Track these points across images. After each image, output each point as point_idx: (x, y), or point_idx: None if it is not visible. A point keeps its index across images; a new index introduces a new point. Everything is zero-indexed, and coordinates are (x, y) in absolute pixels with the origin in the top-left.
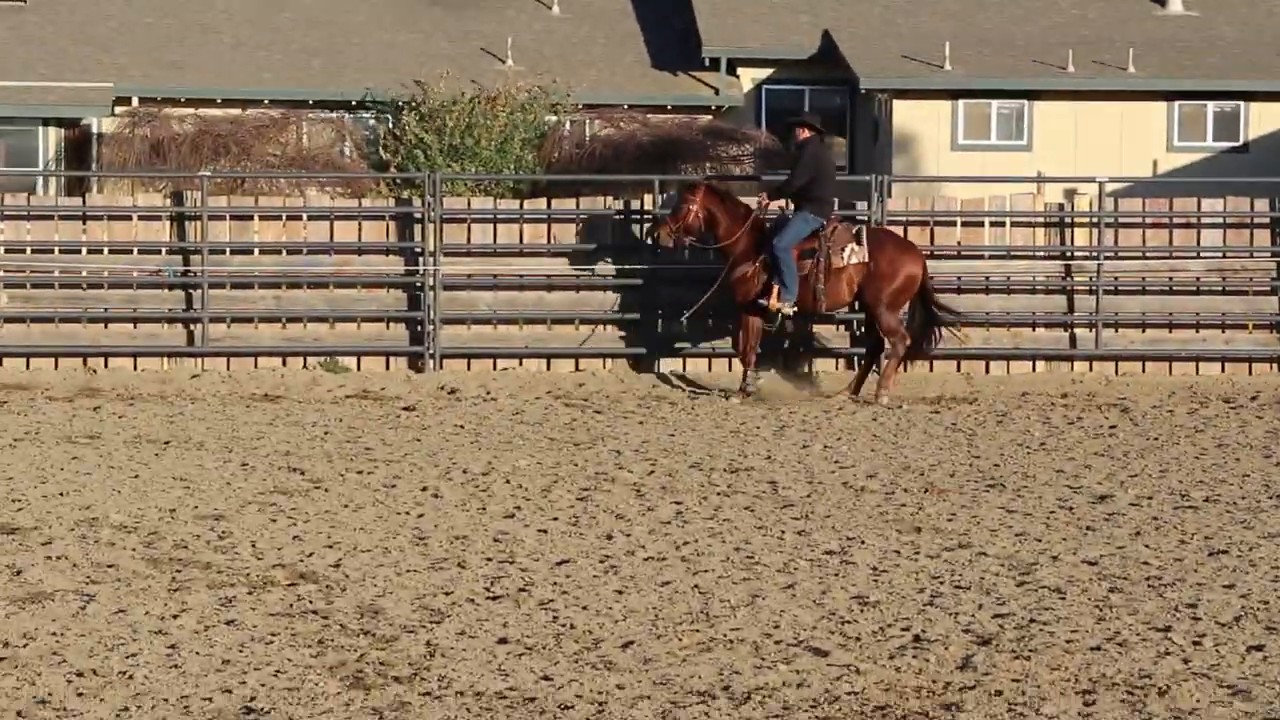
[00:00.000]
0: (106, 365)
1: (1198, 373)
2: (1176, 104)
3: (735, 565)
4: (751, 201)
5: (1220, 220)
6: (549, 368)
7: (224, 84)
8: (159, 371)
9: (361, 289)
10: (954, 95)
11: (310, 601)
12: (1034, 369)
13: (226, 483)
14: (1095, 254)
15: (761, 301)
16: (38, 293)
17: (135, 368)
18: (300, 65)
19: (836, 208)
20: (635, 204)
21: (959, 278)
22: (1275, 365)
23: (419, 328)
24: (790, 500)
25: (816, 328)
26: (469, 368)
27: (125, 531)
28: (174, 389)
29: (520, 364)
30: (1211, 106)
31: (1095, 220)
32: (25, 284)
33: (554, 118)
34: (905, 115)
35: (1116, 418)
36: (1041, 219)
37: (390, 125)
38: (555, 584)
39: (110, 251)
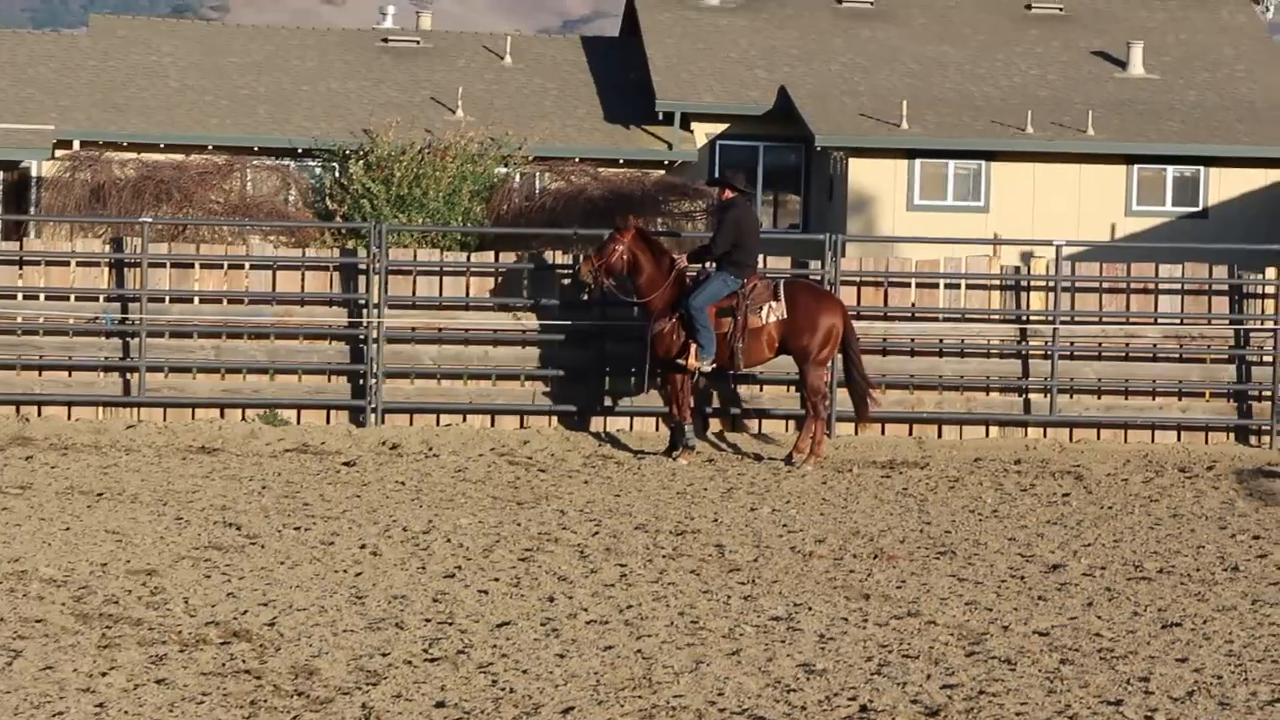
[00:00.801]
0: (40, 414)
1: (1153, 440)
2: (1135, 168)
3: (680, 630)
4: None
5: (1178, 286)
6: (493, 424)
7: (168, 128)
8: (94, 421)
9: (303, 340)
10: (911, 154)
11: (243, 661)
12: (987, 434)
13: (160, 537)
14: (1051, 318)
15: (680, 360)
16: None
17: (69, 417)
18: (246, 111)
19: (759, 266)
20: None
21: (913, 340)
22: (1231, 434)
23: (361, 381)
24: (737, 564)
25: (770, 390)
26: (411, 423)
27: (55, 585)
28: (108, 439)
29: (464, 420)
30: (1171, 171)
31: (1051, 284)
32: None
33: (504, 169)
34: (861, 174)
35: (1070, 485)
36: (997, 282)
37: (337, 174)
38: (495, 646)
39: (47, 298)
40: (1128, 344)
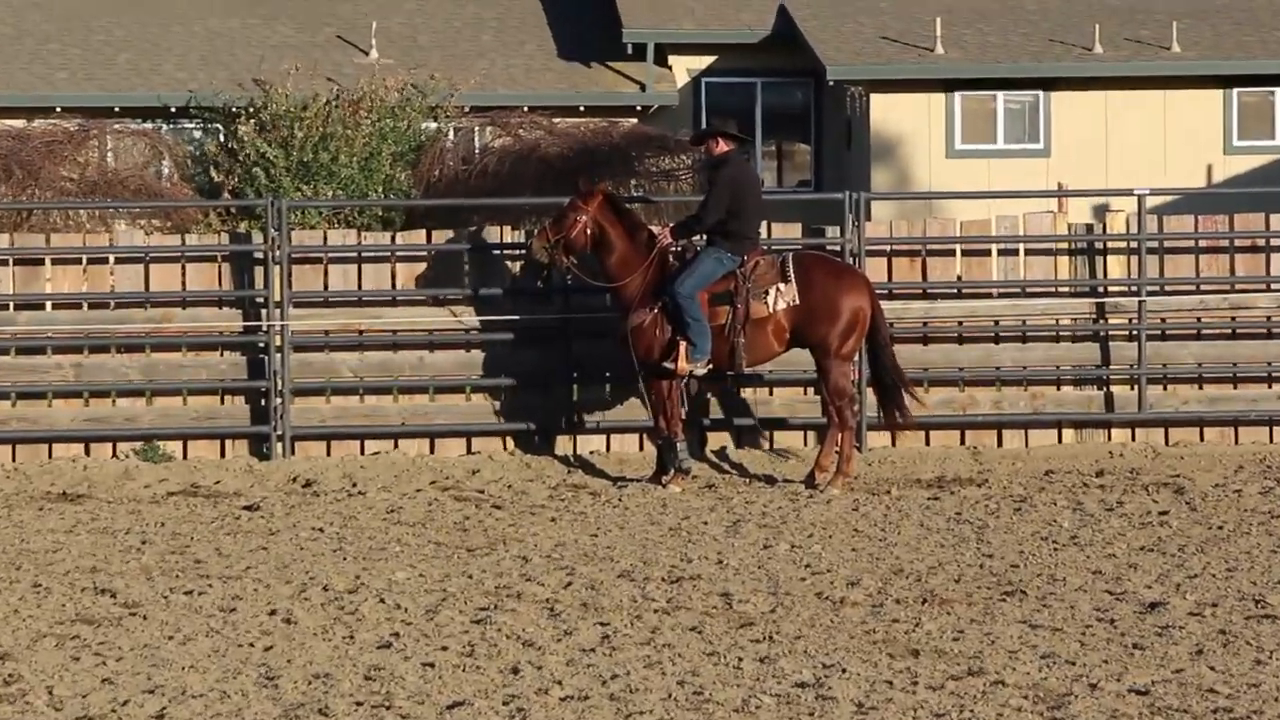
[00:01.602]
0: None
1: (1271, 440)
2: (1235, 92)
3: (680, 705)
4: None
5: None
6: (433, 450)
7: (3, 88)
8: None
9: (187, 352)
10: (948, 86)
11: None
12: (1060, 439)
13: (14, 610)
14: (1135, 288)
15: (667, 364)
16: None
17: None
18: (102, 61)
19: (760, 239)
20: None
21: (961, 322)
22: None
23: (262, 401)
24: (749, 617)
25: (783, 393)
26: (329, 452)
27: None
28: None
29: (395, 446)
30: None
31: (1134, 245)
32: None
33: (433, 124)
34: (887, 113)
35: (1168, 501)
36: (1065, 244)
37: (221, 138)
38: None
39: None
40: (1234, 318)
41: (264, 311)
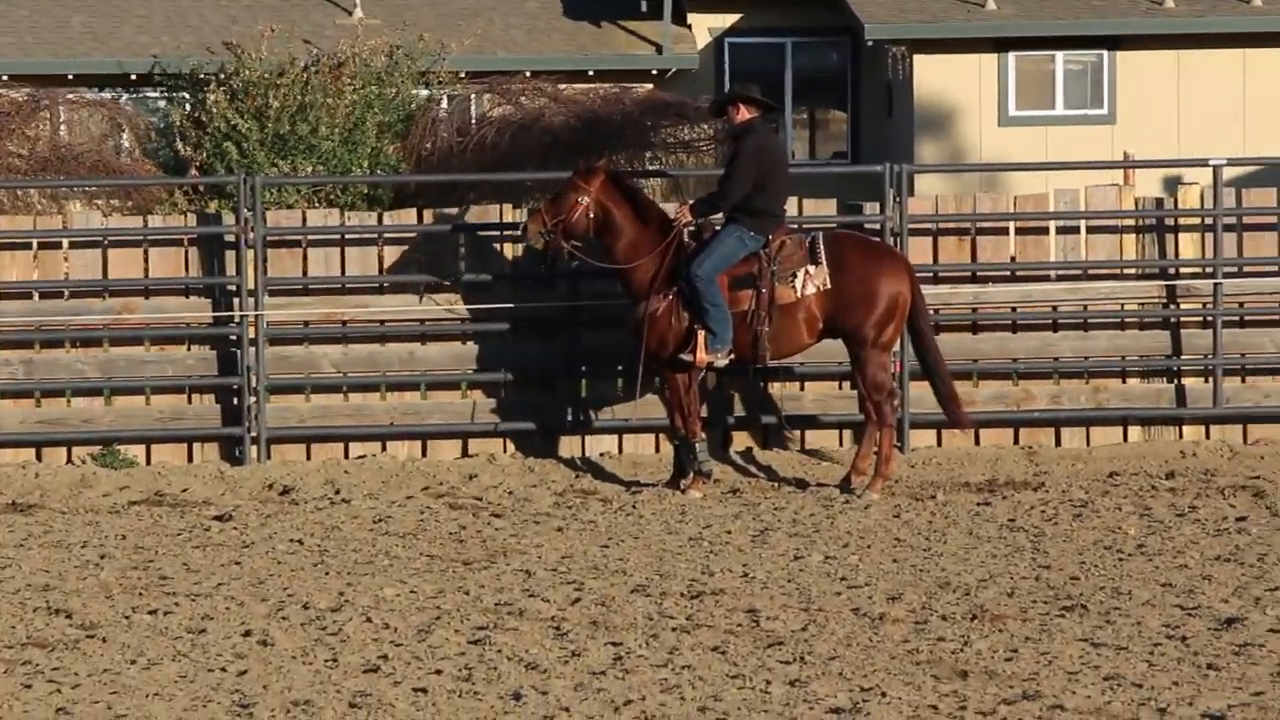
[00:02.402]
0: None
1: None
2: None
3: None
4: (669, 212)
5: None
6: (425, 453)
7: None
8: None
9: (150, 346)
10: (1001, 45)
11: None
12: (1126, 437)
13: None
14: (1210, 269)
15: (684, 356)
16: None
17: None
18: (55, 23)
19: (786, 217)
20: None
21: (1015, 309)
22: None
23: (235, 400)
24: (778, 636)
25: (815, 388)
26: (309, 456)
27: None
28: None
29: (383, 448)
30: None
31: (1209, 221)
32: None
33: (424, 91)
34: (932, 76)
35: (1247, 505)
36: (1131, 221)
37: (189, 108)
38: None
39: None
40: None
41: (236, 301)
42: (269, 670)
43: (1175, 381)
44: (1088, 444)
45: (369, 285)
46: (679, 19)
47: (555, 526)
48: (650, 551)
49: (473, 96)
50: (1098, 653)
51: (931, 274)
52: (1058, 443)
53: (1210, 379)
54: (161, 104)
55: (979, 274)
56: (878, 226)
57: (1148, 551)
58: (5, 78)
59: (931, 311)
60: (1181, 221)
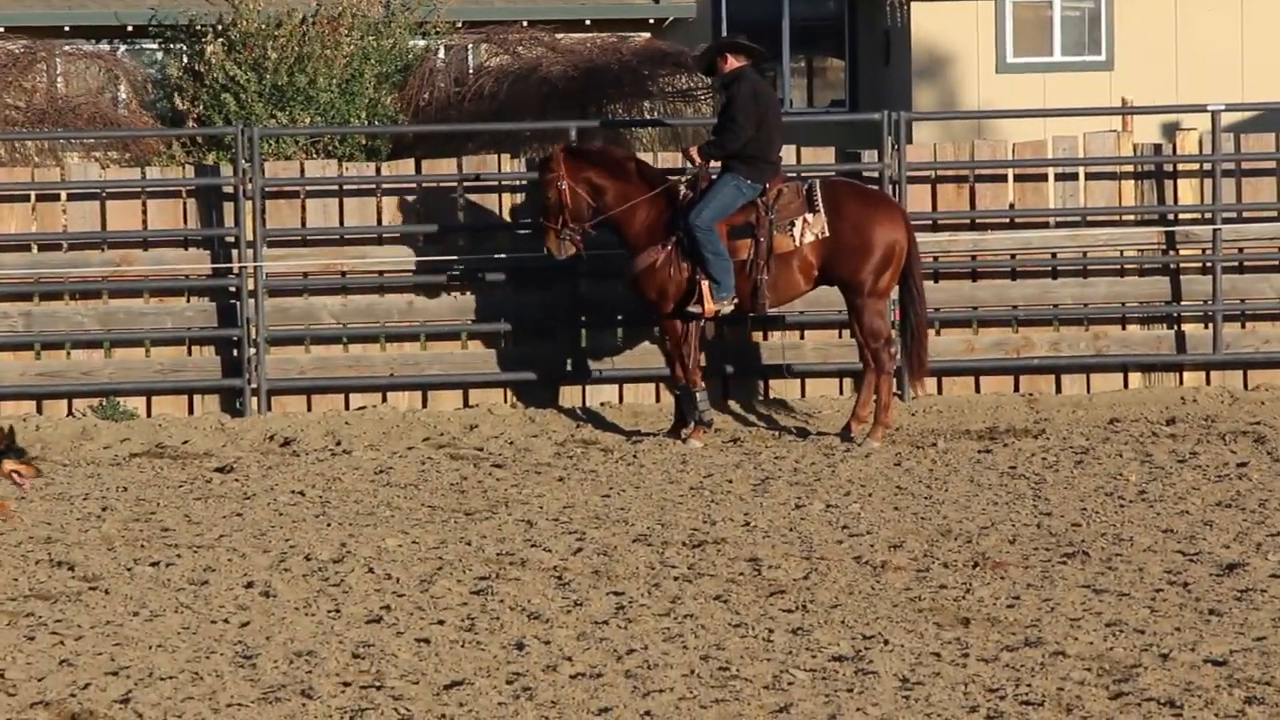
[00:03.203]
0: None
1: None
2: None
3: (703, 682)
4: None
5: None
6: (425, 403)
7: None
8: None
9: (150, 298)
10: None
11: None
12: (1126, 384)
13: None
14: (1210, 215)
15: (692, 308)
16: None
17: None
18: None
19: (782, 165)
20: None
21: (1014, 255)
22: None
23: (234, 351)
24: (780, 584)
25: (814, 335)
26: (309, 407)
27: None
28: None
29: (384, 399)
30: None
31: (1208, 167)
32: None
33: (422, 41)
34: (930, 23)
35: (1248, 451)
36: (1130, 167)
37: (186, 59)
38: (444, 717)
39: None
40: None
41: (235, 252)
42: (271, 621)
43: (1175, 327)
44: (1088, 391)
45: (368, 236)
46: None
47: (556, 476)
48: (652, 501)
49: (470, 46)
50: (1099, 599)
51: (930, 222)
52: (1058, 390)
53: (1210, 325)
54: (160, 56)
55: (978, 221)
56: (876, 175)
57: (1149, 498)
58: (2, 30)
59: (930, 259)
60: (1180, 167)
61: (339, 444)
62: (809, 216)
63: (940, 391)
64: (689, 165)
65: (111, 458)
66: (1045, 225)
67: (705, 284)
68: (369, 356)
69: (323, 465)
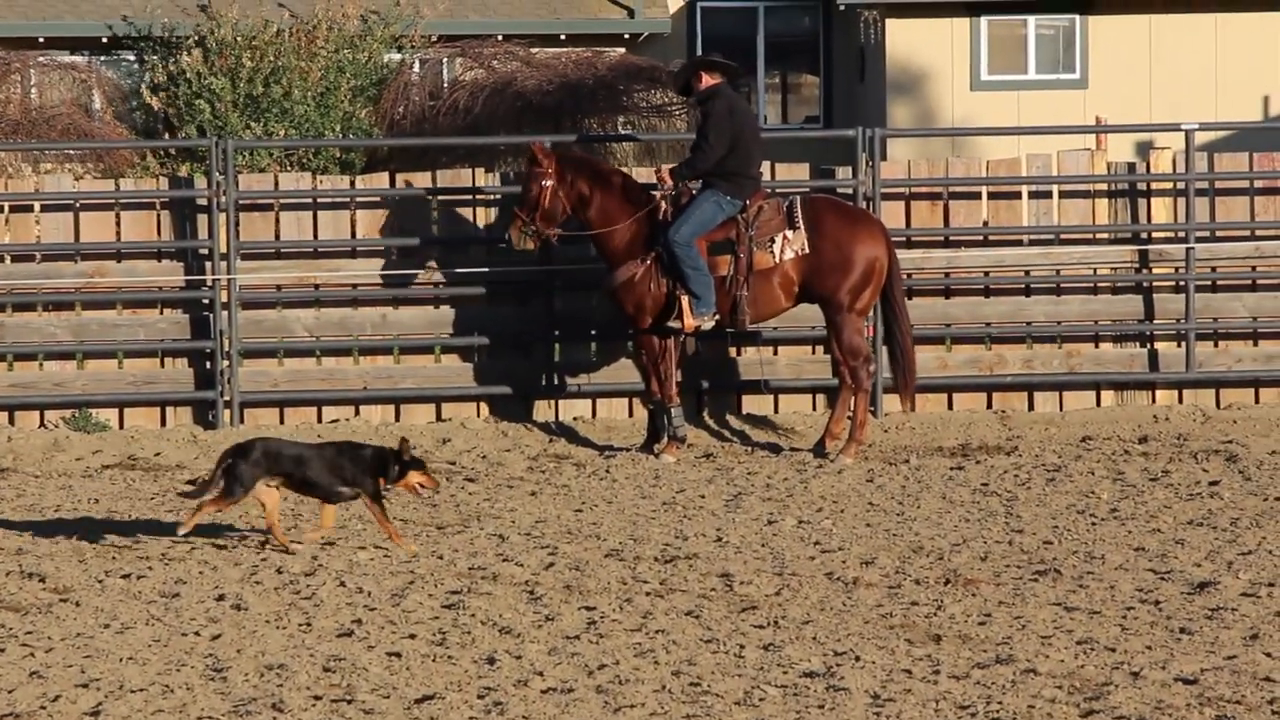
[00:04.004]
0: None
1: None
2: None
3: (675, 697)
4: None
5: None
6: (398, 417)
7: None
8: None
9: (123, 309)
10: (973, 9)
11: None
12: (1099, 402)
13: None
14: (1183, 234)
15: (672, 324)
16: None
17: None
18: None
19: (762, 181)
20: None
21: (987, 273)
22: None
23: (207, 364)
24: (752, 600)
25: (788, 351)
26: (282, 420)
27: None
28: None
29: (357, 413)
30: None
31: (1181, 186)
32: None
33: (397, 55)
34: (905, 40)
35: (1220, 469)
36: (1104, 186)
37: (161, 69)
38: None
39: None
40: None
41: (208, 264)
42: (242, 634)
43: (1148, 346)
44: (1060, 408)
45: (341, 249)
46: None
47: (529, 491)
48: (624, 516)
49: (444, 60)
50: (1071, 617)
51: (904, 239)
52: (1030, 407)
53: (1183, 343)
54: (135, 66)
55: (951, 238)
56: (850, 191)
57: (1120, 516)
58: None
59: (904, 276)
60: (1154, 186)
61: None
62: (789, 233)
63: (913, 408)
64: (661, 187)
65: (83, 469)
66: (1019, 243)
67: (685, 299)
68: (342, 370)
69: None
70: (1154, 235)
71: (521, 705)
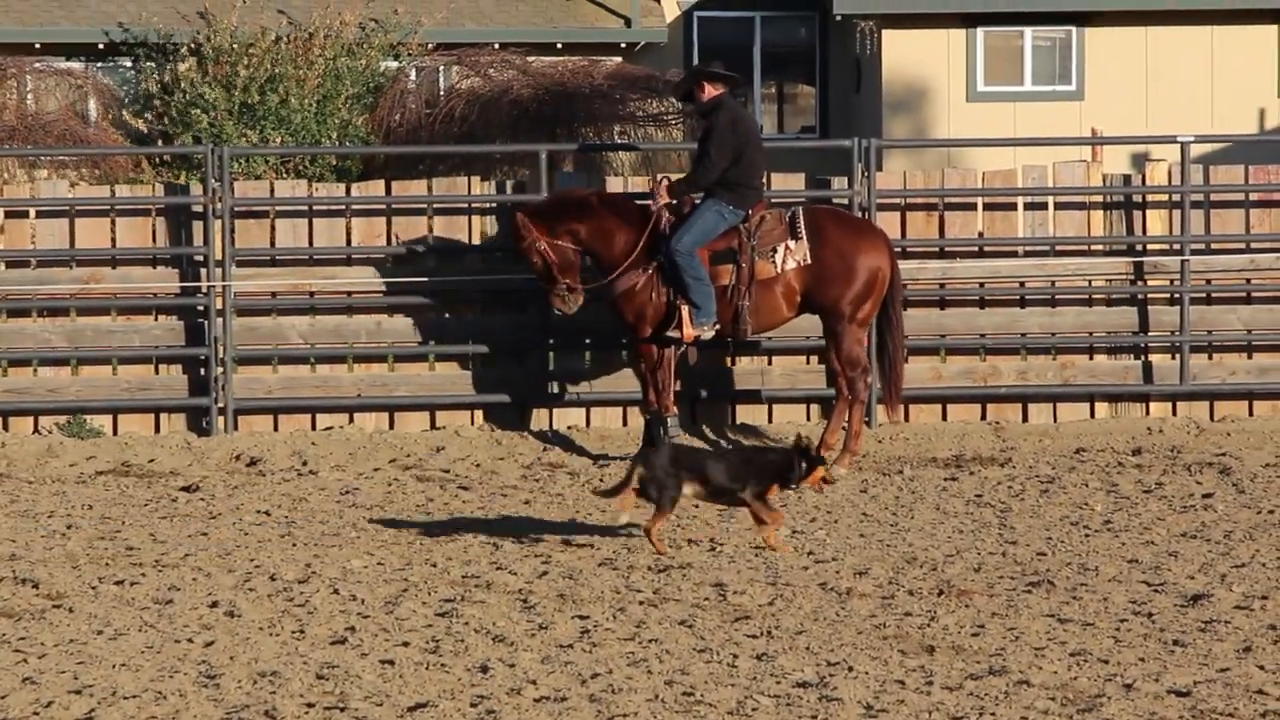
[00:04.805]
0: None
1: None
2: None
3: (668, 707)
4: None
5: None
6: (392, 425)
7: None
8: None
9: (117, 316)
10: (970, 20)
11: None
12: (1093, 414)
13: None
14: (1178, 246)
15: (671, 333)
16: None
17: None
18: None
19: (764, 191)
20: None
21: (982, 284)
22: None
23: (202, 370)
24: (745, 610)
25: (782, 361)
26: (276, 427)
27: None
28: None
29: (351, 420)
30: None
31: (1177, 198)
32: None
33: (394, 63)
34: (901, 51)
35: (1214, 482)
36: (1099, 198)
37: (157, 77)
38: None
39: None
40: None
41: (203, 271)
42: (236, 641)
43: (1142, 358)
44: (1055, 420)
45: (337, 257)
46: None
47: (523, 500)
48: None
49: (441, 68)
50: (1064, 628)
51: (899, 249)
52: (1025, 418)
53: (1177, 355)
54: (131, 74)
55: (947, 249)
56: (846, 201)
57: (1114, 528)
58: None
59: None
60: (1149, 198)
61: (305, 464)
62: (791, 243)
63: (907, 419)
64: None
65: (77, 475)
66: (1014, 254)
67: (685, 309)
68: (336, 377)
69: (289, 485)
70: (1149, 247)
71: (514, 714)
